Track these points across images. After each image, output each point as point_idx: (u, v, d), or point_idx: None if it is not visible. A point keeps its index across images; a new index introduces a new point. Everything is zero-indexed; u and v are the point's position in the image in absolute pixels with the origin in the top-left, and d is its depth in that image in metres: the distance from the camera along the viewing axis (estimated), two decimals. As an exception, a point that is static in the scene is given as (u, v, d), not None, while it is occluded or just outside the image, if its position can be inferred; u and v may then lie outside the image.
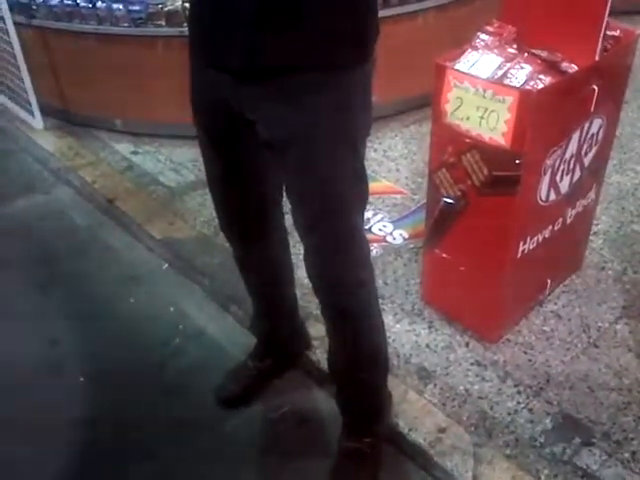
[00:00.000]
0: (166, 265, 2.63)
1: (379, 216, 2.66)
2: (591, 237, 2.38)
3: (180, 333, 2.30)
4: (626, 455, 1.73)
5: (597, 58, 1.72)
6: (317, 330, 2.08)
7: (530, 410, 1.86)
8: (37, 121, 3.46)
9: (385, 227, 2.61)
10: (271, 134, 1.40)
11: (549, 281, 2.17)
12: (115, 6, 3.00)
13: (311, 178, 1.43)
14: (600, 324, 2.13)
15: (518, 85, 1.65)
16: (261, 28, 1.27)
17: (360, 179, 1.49)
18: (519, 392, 1.92)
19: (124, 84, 3.17)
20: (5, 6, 3.09)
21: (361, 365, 1.68)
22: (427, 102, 3.18)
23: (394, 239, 2.55)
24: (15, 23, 3.16)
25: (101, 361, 2.20)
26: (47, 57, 3.31)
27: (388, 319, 2.15)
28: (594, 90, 1.75)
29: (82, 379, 2.14)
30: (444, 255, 2.04)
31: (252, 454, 1.92)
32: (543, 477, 1.69)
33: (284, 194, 1.56)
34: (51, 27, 3.19)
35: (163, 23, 2.99)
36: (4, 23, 3.16)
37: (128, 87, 3.17)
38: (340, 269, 1.51)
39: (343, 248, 1.50)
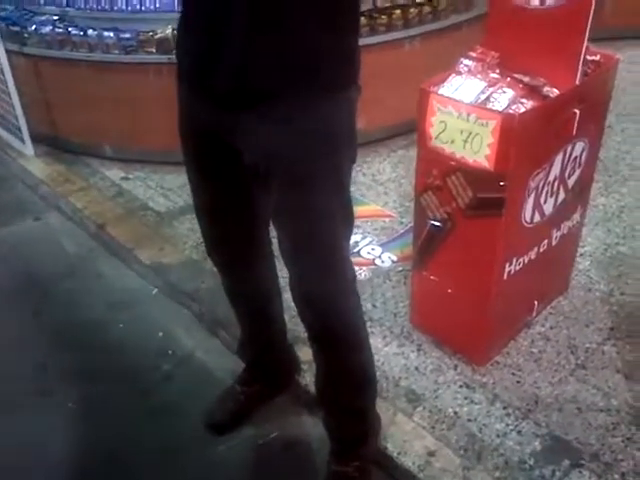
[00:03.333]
0: (155, 290, 2.62)
1: (368, 239, 2.68)
2: (578, 259, 2.40)
3: (169, 358, 2.29)
4: (616, 477, 1.72)
5: (577, 82, 1.76)
6: (306, 354, 2.08)
7: (519, 432, 1.86)
8: (28, 148, 3.48)
9: (374, 250, 2.62)
10: (256, 163, 1.42)
11: (536, 303, 2.18)
12: (106, 34, 3.04)
13: (296, 207, 1.43)
14: (588, 345, 2.13)
15: (501, 109, 1.68)
16: (247, 53, 1.28)
17: (345, 207, 1.50)
18: (508, 414, 1.91)
19: (115, 111, 3.20)
20: (-4, 34, 3.13)
21: (348, 390, 1.68)
22: (414, 127, 3.24)
23: (383, 262, 2.57)
24: (6, 50, 3.20)
25: (90, 387, 2.18)
26: (38, 84, 3.34)
27: (377, 342, 2.15)
28: (575, 114, 1.78)
29: (71, 405, 2.12)
30: (432, 277, 2.05)
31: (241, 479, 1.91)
32: (533, 500, 1.69)
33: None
34: (42, 55, 3.23)
35: (154, 50, 3.03)
36: (-5, 51, 3.20)
37: (119, 114, 3.20)
38: (326, 296, 1.52)
39: (329, 275, 1.50)
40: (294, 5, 1.26)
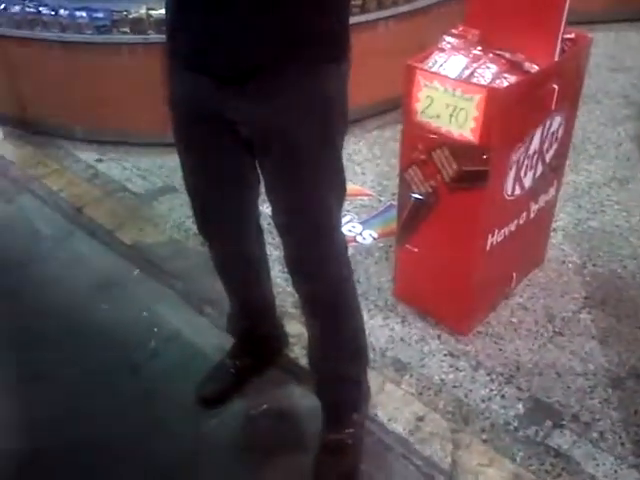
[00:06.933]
0: (137, 270, 2.62)
1: (348, 217, 2.72)
2: (551, 233, 2.49)
3: (155, 336, 2.29)
4: (594, 435, 1.82)
5: (556, 58, 1.83)
6: (294, 328, 2.12)
7: (503, 396, 1.94)
8: (-4, 130, 3.41)
9: (354, 228, 2.67)
10: (252, 134, 1.45)
11: (514, 275, 2.26)
12: (78, 13, 3.00)
13: (292, 177, 1.47)
14: (564, 314, 2.22)
15: (485, 84, 1.73)
16: (246, 30, 1.31)
17: (338, 176, 1.54)
18: (492, 380, 1.99)
19: (87, 92, 3.16)
20: (-35, 14, 3.06)
21: (343, 357, 1.73)
22: (389, 108, 3.30)
23: (364, 239, 2.62)
24: (-25, 31, 3.13)
25: (76, 366, 2.18)
26: (7, 65, 3.28)
27: (362, 315, 2.20)
28: (554, 89, 1.85)
29: (57, 385, 2.12)
30: (415, 250, 2.10)
31: (233, 452, 1.94)
32: (518, 459, 1.76)
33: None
34: (12, 35, 3.16)
35: (127, 30, 2.99)
36: (-37, 31, 3.12)
37: (91, 95, 3.16)
38: (321, 265, 1.57)
39: (323, 245, 1.55)
40: None
